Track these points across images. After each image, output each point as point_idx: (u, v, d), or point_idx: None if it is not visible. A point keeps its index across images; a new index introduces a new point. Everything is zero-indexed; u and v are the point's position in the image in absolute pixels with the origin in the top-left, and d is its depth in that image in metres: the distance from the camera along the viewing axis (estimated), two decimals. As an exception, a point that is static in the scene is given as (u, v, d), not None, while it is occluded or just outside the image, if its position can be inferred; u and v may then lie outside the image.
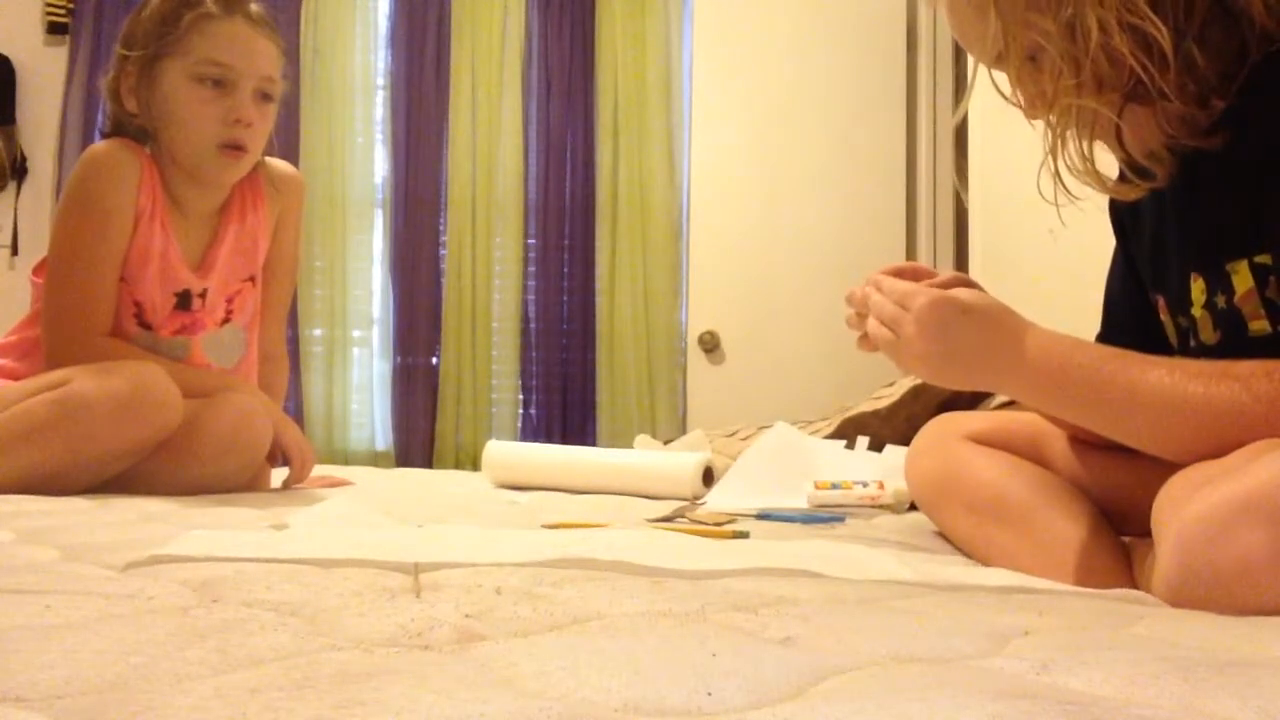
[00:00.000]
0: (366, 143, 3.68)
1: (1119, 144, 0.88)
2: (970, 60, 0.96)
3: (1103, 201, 0.98)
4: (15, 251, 3.58)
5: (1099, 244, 1.11)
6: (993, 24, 0.89)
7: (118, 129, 1.59)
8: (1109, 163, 0.91)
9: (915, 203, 3.38)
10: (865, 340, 0.96)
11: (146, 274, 1.56)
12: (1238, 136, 0.84)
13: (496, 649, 0.51)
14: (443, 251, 3.62)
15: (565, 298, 3.62)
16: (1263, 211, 0.82)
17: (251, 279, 1.70)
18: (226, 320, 1.67)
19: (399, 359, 3.62)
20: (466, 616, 0.58)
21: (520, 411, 3.61)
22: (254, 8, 1.59)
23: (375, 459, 3.52)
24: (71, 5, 3.66)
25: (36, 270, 1.60)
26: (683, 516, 1.37)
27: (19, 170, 3.63)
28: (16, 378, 1.50)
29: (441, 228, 3.63)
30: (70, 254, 1.53)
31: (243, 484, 1.59)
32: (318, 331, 3.60)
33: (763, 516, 1.40)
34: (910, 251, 3.38)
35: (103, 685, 0.43)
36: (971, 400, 1.89)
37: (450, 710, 0.40)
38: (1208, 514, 0.67)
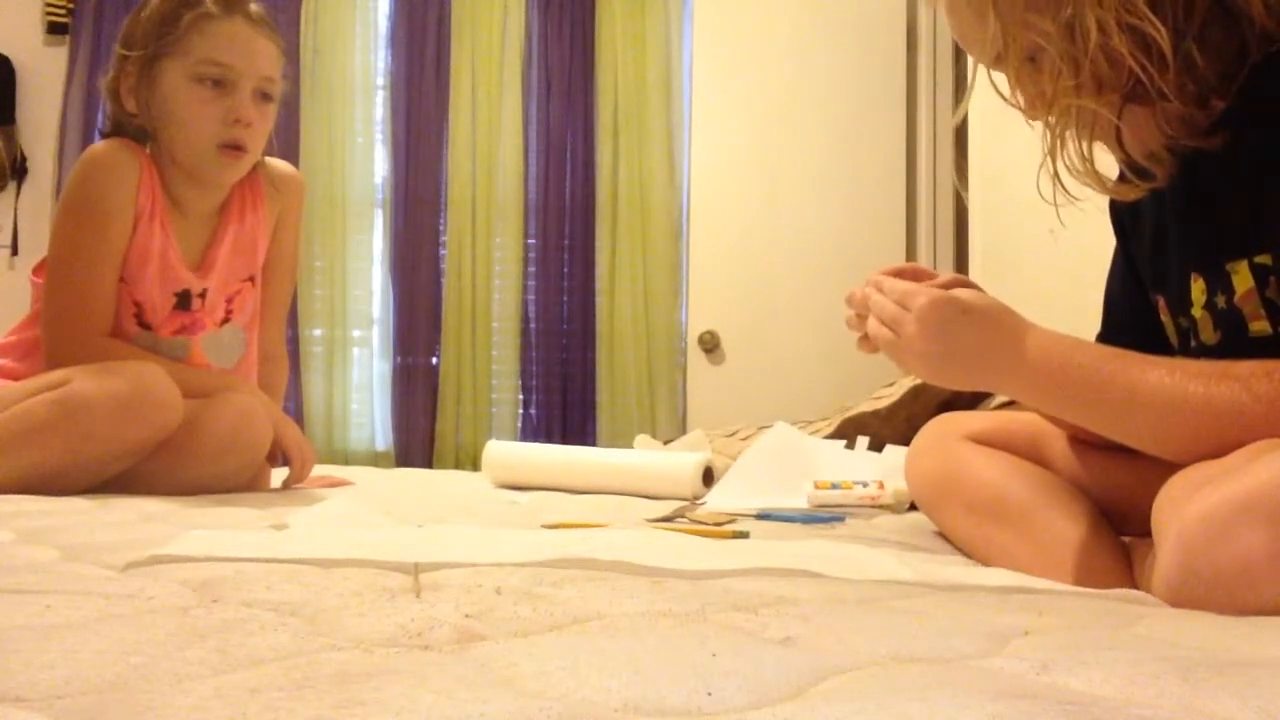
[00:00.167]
0: (366, 143, 3.68)
1: (1118, 145, 0.88)
2: (970, 60, 0.96)
3: (1102, 202, 0.98)
4: (15, 251, 3.58)
5: (1099, 244, 1.11)
6: (991, 25, 0.89)
7: (117, 129, 1.59)
8: (1109, 163, 0.91)
9: (915, 203, 3.38)
10: (865, 341, 0.96)
11: (146, 274, 1.56)
12: (1238, 137, 0.84)
13: (496, 649, 0.51)
14: (443, 251, 3.62)
15: (565, 298, 3.62)
16: (1263, 212, 0.82)
17: (251, 279, 1.70)
18: (226, 320, 1.67)
19: (399, 359, 3.62)
20: (466, 616, 0.58)
21: (520, 411, 3.61)
22: (254, 7, 1.59)
23: (375, 459, 3.52)
24: (71, 5, 3.66)
25: (36, 270, 1.60)
26: (683, 516, 1.37)
27: (19, 170, 3.63)
28: (16, 378, 1.50)
29: (441, 228, 3.63)
30: (70, 254, 1.53)
31: (243, 484, 1.59)
32: (318, 331, 3.60)
33: (763, 516, 1.40)
34: (910, 251, 3.38)
35: (103, 685, 0.43)
36: (971, 400, 1.89)
37: (450, 710, 0.40)
38: (1208, 514, 0.67)
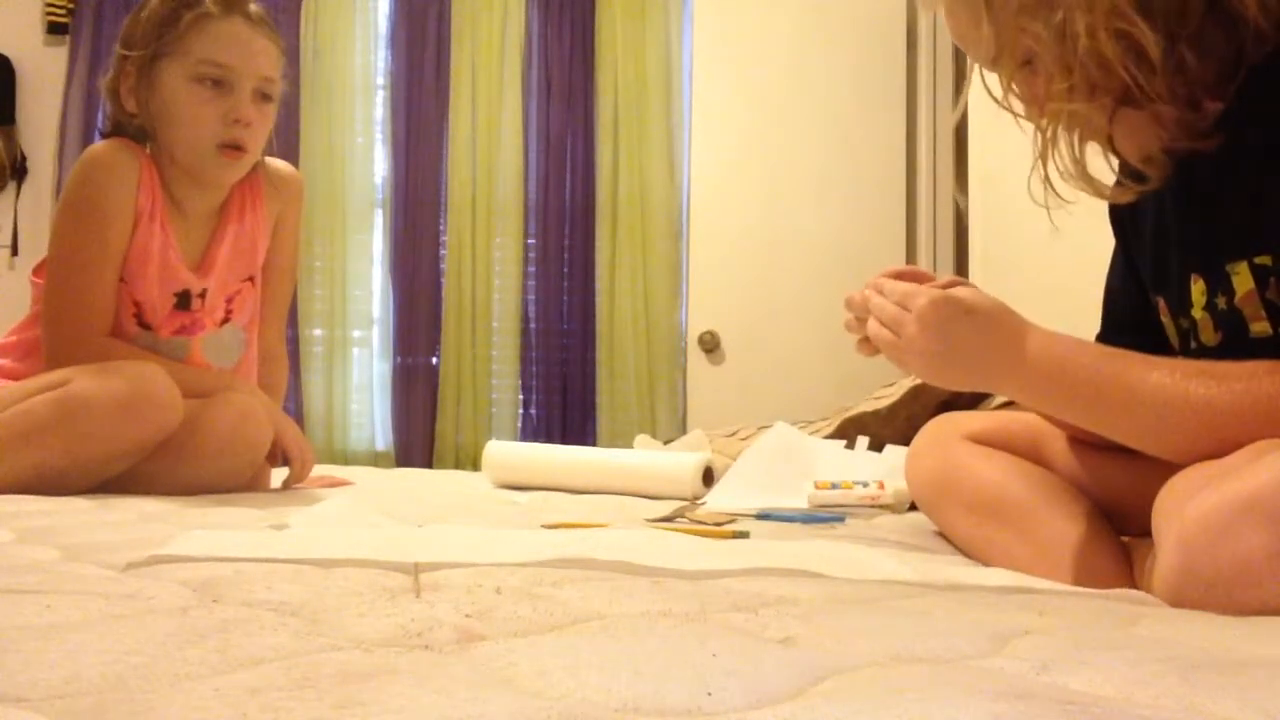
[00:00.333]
0: (366, 143, 3.69)
1: (1112, 148, 0.88)
2: (971, 60, 0.96)
3: (1097, 203, 0.98)
4: (15, 252, 3.58)
5: (1099, 244, 1.11)
6: (986, 29, 0.89)
7: (117, 129, 1.59)
8: (1104, 165, 0.91)
9: (915, 202, 3.38)
10: (865, 344, 0.96)
11: (146, 274, 1.56)
12: (1237, 138, 0.84)
13: (496, 649, 0.51)
14: (443, 252, 3.62)
15: (565, 298, 3.62)
16: (1263, 212, 0.82)
17: (251, 279, 1.70)
18: (226, 320, 1.67)
19: (399, 359, 3.62)
20: (466, 616, 0.58)
21: (520, 411, 3.61)
22: (253, 8, 1.59)
23: (375, 459, 3.53)
24: (71, 5, 3.66)
25: (36, 271, 1.60)
26: (683, 516, 1.37)
27: (19, 170, 3.63)
28: (16, 378, 1.50)
29: (441, 228, 3.63)
30: (70, 254, 1.53)
31: (243, 484, 1.59)
32: (318, 331, 3.61)
33: (763, 516, 1.40)
34: (910, 251, 3.38)
35: (103, 685, 0.43)
36: (971, 400, 1.89)
37: (450, 710, 0.40)
38: (1208, 514, 0.67)
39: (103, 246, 1.52)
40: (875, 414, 2.03)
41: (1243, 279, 0.84)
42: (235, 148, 1.56)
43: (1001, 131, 0.99)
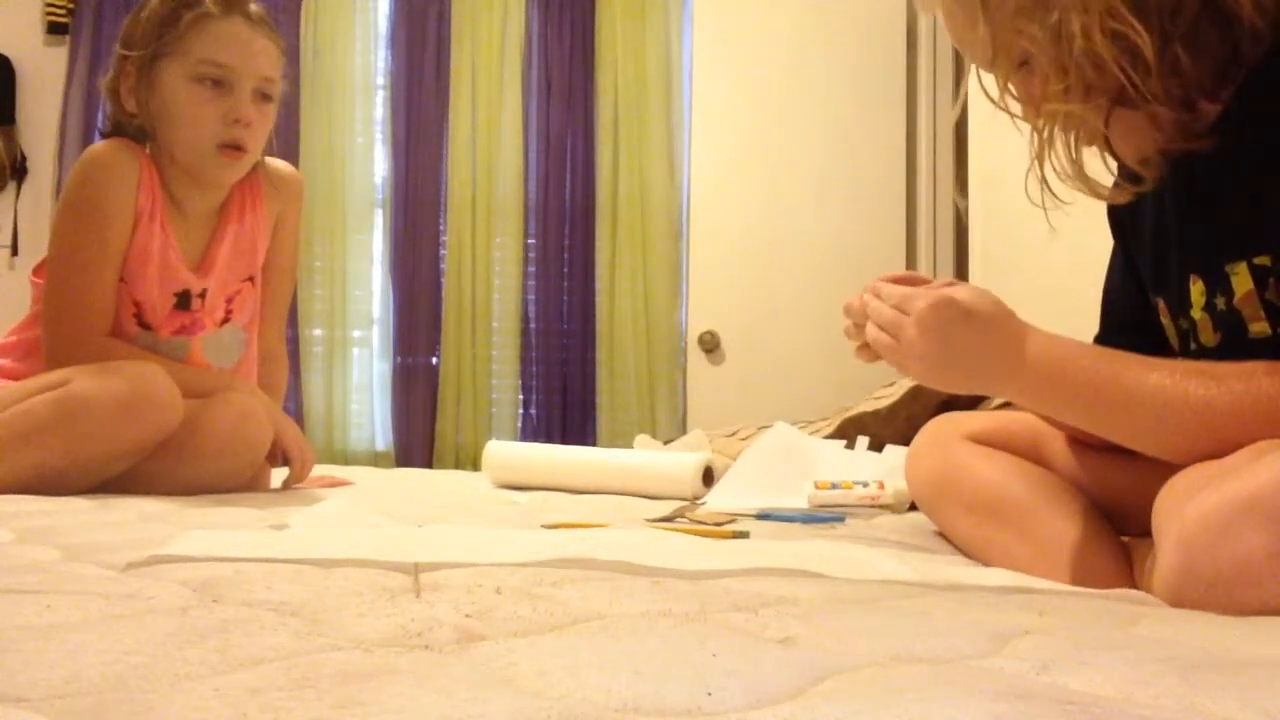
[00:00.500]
0: (366, 143, 3.69)
1: (1109, 149, 0.88)
2: (968, 61, 0.96)
3: (1096, 204, 0.98)
4: (15, 252, 3.58)
5: (1098, 245, 1.11)
6: (982, 30, 0.89)
7: (117, 129, 1.59)
8: (1101, 166, 0.91)
9: (915, 202, 3.38)
10: (865, 350, 0.96)
11: (146, 274, 1.56)
12: (1236, 138, 0.84)
13: (496, 649, 0.51)
14: (443, 252, 3.62)
15: (565, 298, 3.62)
16: (1262, 213, 0.82)
17: (251, 279, 1.70)
18: (226, 320, 1.67)
19: (399, 359, 3.62)
20: (466, 616, 0.58)
21: (520, 411, 3.61)
22: (253, 7, 1.59)
23: (375, 459, 3.53)
24: (71, 5, 3.66)
25: (36, 271, 1.60)
26: (683, 516, 1.37)
27: (19, 170, 3.63)
28: (16, 378, 1.50)
29: (441, 228, 3.63)
30: (70, 254, 1.53)
31: (243, 484, 1.59)
32: (318, 331, 3.61)
33: (763, 516, 1.40)
34: (910, 251, 3.38)
35: (103, 685, 0.43)
36: (971, 400, 1.89)
37: (450, 710, 0.40)
38: (1208, 514, 0.67)
39: (103, 246, 1.52)
40: (875, 414, 2.03)
41: (1242, 279, 0.84)
42: (235, 148, 1.56)
43: (1001, 132, 0.99)
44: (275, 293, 1.78)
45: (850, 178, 3.40)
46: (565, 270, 3.62)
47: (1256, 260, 0.83)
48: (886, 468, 1.68)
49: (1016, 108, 0.91)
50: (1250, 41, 0.82)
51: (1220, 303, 0.87)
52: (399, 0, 3.68)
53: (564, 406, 3.58)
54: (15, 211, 3.61)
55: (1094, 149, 0.90)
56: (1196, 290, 0.90)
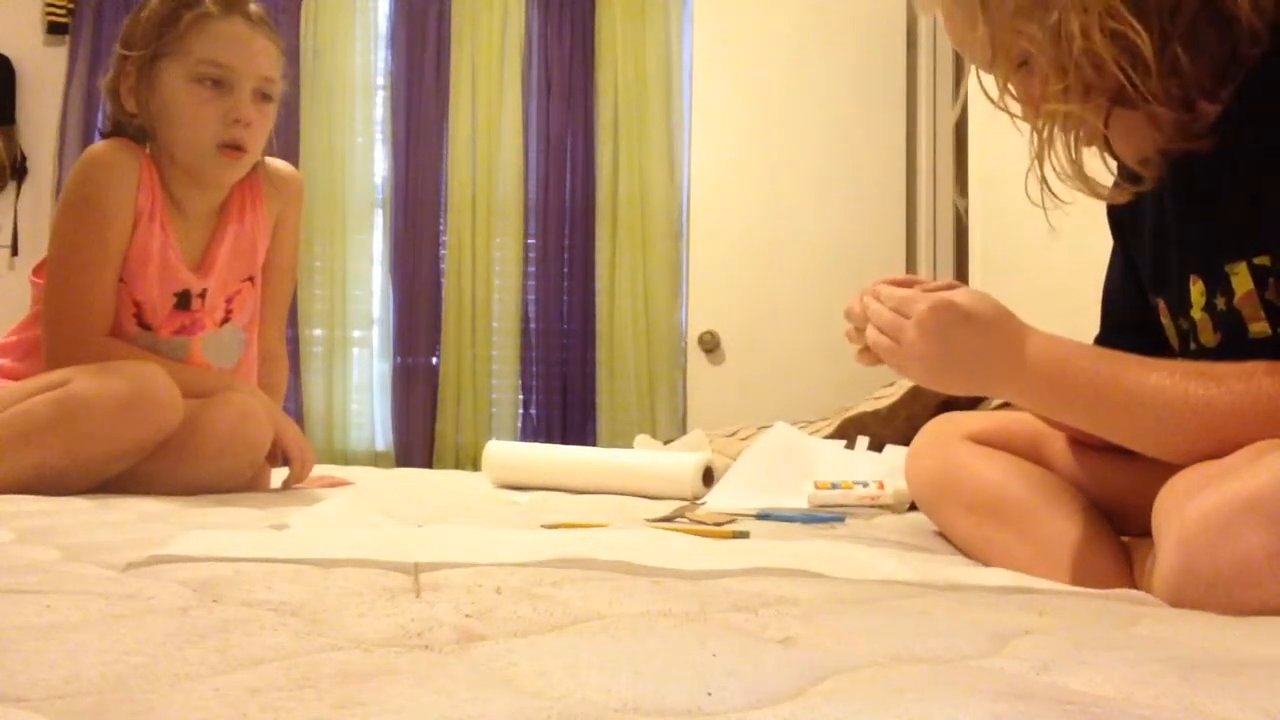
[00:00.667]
0: (366, 143, 3.69)
1: (1108, 149, 0.88)
2: (968, 62, 0.96)
3: (1096, 205, 0.98)
4: (15, 251, 3.58)
5: (1098, 245, 1.11)
6: (981, 31, 0.89)
7: (117, 129, 1.59)
8: (1101, 166, 0.91)
9: (915, 202, 3.38)
10: (865, 354, 0.96)
11: (146, 274, 1.56)
12: (1235, 139, 0.84)
13: (496, 649, 0.51)
14: (443, 252, 3.62)
15: (565, 298, 3.62)
16: (1261, 213, 0.82)
17: (251, 279, 1.70)
18: (226, 320, 1.67)
19: (399, 359, 3.62)
20: (466, 616, 0.58)
21: (520, 411, 3.61)
22: (253, 8, 1.59)
23: (375, 459, 3.53)
24: (71, 5, 3.66)
25: (36, 271, 1.60)
26: (683, 516, 1.37)
27: (19, 170, 3.63)
28: (16, 378, 1.50)
29: (441, 228, 3.63)
30: (70, 254, 1.53)
31: (243, 484, 1.59)
32: (318, 331, 3.61)
33: (763, 516, 1.40)
34: (910, 252, 3.38)
35: (103, 685, 0.43)
36: (971, 400, 1.88)
37: (450, 710, 0.40)
38: (1208, 514, 0.67)
39: (103, 246, 1.52)
40: (875, 414, 2.03)
41: (1242, 279, 0.84)
42: (235, 148, 1.56)
43: (1001, 132, 0.98)
44: (275, 293, 1.78)
45: (850, 178, 3.40)
46: (565, 270, 3.62)
47: (1256, 260, 0.83)
48: (886, 468, 1.68)
49: (1016, 108, 0.91)
50: (1249, 42, 0.82)
51: (1220, 303, 0.87)
52: (399, 0, 3.68)
53: (564, 406, 3.58)
54: (15, 211, 3.61)
55: (1094, 149, 0.90)
56: (1196, 290, 0.90)
